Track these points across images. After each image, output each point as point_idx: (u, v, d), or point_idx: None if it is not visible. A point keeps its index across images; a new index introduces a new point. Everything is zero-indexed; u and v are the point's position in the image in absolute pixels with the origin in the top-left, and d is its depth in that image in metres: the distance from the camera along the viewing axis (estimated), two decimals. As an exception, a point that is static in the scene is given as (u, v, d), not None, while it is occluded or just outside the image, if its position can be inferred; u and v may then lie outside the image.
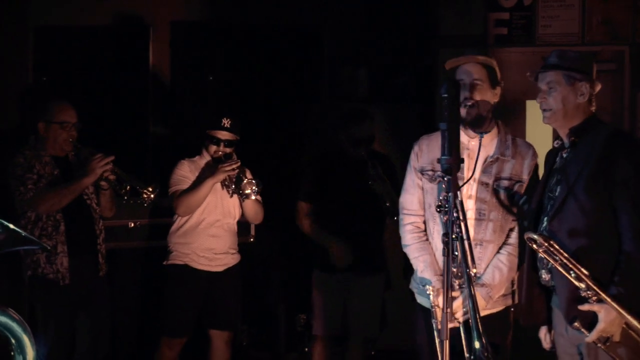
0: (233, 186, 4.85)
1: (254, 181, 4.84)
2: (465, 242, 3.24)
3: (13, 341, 2.48)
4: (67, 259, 4.46)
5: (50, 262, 4.44)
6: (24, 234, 2.48)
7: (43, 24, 5.73)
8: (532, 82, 3.53)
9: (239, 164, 4.82)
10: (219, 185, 4.86)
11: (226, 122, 4.89)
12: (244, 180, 4.83)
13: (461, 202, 3.32)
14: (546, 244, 3.27)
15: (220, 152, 4.89)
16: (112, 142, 5.22)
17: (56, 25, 5.85)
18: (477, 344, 3.21)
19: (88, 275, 4.58)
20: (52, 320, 4.45)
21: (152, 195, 4.64)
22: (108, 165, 4.51)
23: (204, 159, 4.94)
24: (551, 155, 3.56)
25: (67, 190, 4.50)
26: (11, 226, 2.42)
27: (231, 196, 4.92)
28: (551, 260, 3.28)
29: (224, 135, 4.89)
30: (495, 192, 3.66)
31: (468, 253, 3.28)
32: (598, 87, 3.45)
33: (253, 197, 4.84)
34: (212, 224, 4.92)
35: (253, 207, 4.96)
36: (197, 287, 4.91)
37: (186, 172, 4.91)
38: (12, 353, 2.48)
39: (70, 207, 4.54)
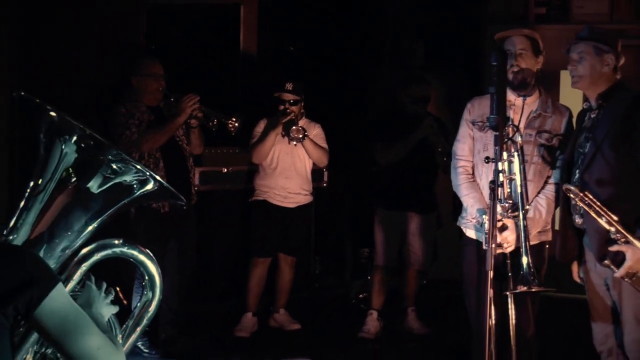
0: (282, 132, 5.43)
1: (300, 129, 5.37)
2: (522, 182, 3.61)
3: (147, 277, 2.48)
4: None
5: None
6: (171, 189, 2.42)
7: (154, 1, 5.89)
8: (567, 56, 3.66)
9: (292, 115, 5.37)
10: None
11: (289, 86, 5.41)
12: (292, 127, 5.37)
13: (521, 147, 3.63)
14: (581, 194, 3.41)
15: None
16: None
17: (165, 3, 6.07)
18: (525, 264, 3.48)
19: (181, 205, 5.08)
20: (151, 245, 4.51)
21: (236, 124, 5.05)
22: (196, 104, 4.88)
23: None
24: (581, 115, 3.73)
25: (164, 129, 4.86)
26: (164, 182, 2.39)
27: (289, 142, 5.47)
28: (585, 207, 3.43)
29: (287, 96, 5.43)
30: (537, 142, 3.87)
31: (524, 190, 3.60)
32: (622, 60, 3.60)
33: (301, 141, 5.37)
34: (286, 168, 5.51)
35: (314, 152, 5.48)
36: (274, 218, 5.53)
37: (261, 127, 5.50)
38: (144, 283, 2.50)
39: (166, 148, 4.90)
